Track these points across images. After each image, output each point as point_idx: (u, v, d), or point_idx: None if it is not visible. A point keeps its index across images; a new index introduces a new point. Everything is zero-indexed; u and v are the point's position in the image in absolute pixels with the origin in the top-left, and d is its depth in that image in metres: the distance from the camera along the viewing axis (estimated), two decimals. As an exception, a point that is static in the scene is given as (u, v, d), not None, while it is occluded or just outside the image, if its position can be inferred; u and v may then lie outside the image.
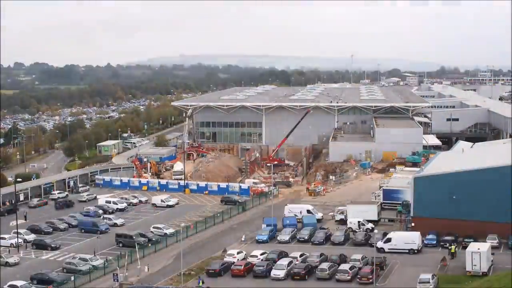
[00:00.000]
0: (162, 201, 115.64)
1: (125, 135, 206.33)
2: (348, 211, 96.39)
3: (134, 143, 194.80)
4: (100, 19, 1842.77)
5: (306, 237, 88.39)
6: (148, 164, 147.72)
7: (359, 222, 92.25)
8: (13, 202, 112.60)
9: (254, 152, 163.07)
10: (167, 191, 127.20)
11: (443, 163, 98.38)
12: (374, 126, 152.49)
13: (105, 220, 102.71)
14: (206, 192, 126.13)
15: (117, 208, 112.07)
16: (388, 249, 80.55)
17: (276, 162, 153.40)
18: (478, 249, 70.98)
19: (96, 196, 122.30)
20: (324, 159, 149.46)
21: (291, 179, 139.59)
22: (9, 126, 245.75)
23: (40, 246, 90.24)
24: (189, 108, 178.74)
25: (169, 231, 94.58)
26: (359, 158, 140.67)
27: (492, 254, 73.88)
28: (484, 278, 67.90)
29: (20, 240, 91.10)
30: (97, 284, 74.95)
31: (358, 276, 71.03)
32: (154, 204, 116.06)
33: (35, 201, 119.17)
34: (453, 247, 78.14)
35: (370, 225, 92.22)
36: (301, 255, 78.72)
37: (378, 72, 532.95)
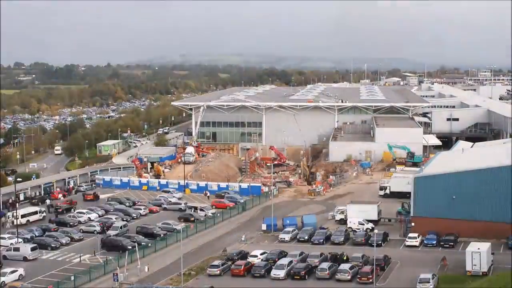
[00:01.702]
0: None
1: (125, 135, 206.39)
2: (348, 211, 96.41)
3: (139, 140, 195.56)
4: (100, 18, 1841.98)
5: (306, 237, 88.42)
6: (148, 164, 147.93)
7: (359, 222, 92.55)
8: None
9: (254, 152, 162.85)
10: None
11: (443, 163, 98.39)
12: (374, 126, 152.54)
13: None
14: (206, 192, 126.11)
15: None
16: None
17: (282, 161, 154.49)
18: (478, 249, 71.03)
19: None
20: (324, 159, 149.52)
21: (291, 179, 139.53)
22: (9, 126, 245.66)
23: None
24: (201, 105, 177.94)
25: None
26: (359, 158, 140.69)
27: (492, 254, 73.92)
28: (484, 278, 67.91)
29: (20, 240, 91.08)
30: (97, 284, 74.98)
31: (358, 276, 71.07)
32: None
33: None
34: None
35: (370, 225, 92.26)
36: (300, 254, 78.74)
37: (378, 72, 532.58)
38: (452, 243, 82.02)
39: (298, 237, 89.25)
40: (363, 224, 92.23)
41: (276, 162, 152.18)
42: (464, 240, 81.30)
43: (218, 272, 75.34)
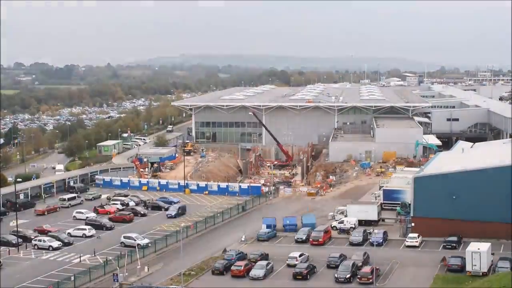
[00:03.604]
0: None
1: (125, 135, 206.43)
2: (348, 211, 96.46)
3: (137, 140, 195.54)
4: (101, 18, 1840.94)
5: (304, 238, 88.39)
6: (149, 164, 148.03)
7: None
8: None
9: (251, 155, 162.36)
10: (167, 191, 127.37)
11: (443, 163, 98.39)
12: (374, 126, 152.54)
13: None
14: (206, 192, 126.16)
15: None
16: None
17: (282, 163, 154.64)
18: (478, 249, 71.03)
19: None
20: (324, 159, 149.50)
21: (293, 180, 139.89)
22: (9, 126, 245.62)
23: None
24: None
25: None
26: (359, 158, 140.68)
27: (492, 254, 73.93)
28: (484, 278, 67.92)
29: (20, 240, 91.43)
30: (97, 284, 74.98)
31: (358, 276, 71.05)
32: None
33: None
34: None
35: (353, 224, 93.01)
36: (300, 255, 78.75)
37: (378, 72, 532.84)
38: (454, 244, 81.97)
39: (295, 237, 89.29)
40: (341, 223, 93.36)
41: (281, 163, 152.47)
42: (466, 241, 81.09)
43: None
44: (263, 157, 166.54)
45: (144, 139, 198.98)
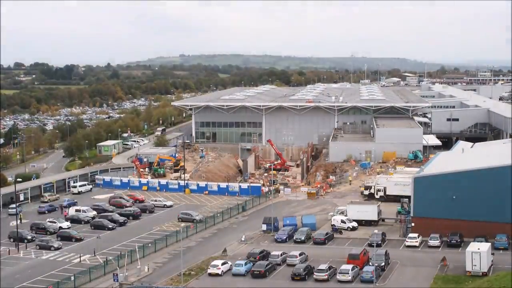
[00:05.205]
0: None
1: (125, 135, 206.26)
2: (348, 211, 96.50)
3: (136, 141, 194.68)
4: (100, 18, 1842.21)
5: (302, 238, 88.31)
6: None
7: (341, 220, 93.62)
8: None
9: (252, 152, 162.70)
10: (167, 191, 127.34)
11: (443, 163, 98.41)
12: (374, 126, 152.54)
13: None
14: (206, 192, 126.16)
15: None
16: None
17: (279, 166, 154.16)
18: (478, 249, 71.05)
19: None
20: (324, 159, 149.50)
21: (290, 180, 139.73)
22: (9, 126, 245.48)
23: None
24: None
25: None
26: (359, 158, 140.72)
27: (492, 254, 73.94)
28: (484, 278, 67.95)
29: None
30: (97, 284, 74.98)
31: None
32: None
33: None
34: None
35: (353, 224, 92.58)
36: (300, 254, 78.75)
37: (378, 72, 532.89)
38: (459, 241, 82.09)
39: (294, 238, 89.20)
40: (344, 222, 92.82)
41: (277, 167, 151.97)
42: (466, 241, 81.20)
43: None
44: (263, 157, 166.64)
45: (138, 140, 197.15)
